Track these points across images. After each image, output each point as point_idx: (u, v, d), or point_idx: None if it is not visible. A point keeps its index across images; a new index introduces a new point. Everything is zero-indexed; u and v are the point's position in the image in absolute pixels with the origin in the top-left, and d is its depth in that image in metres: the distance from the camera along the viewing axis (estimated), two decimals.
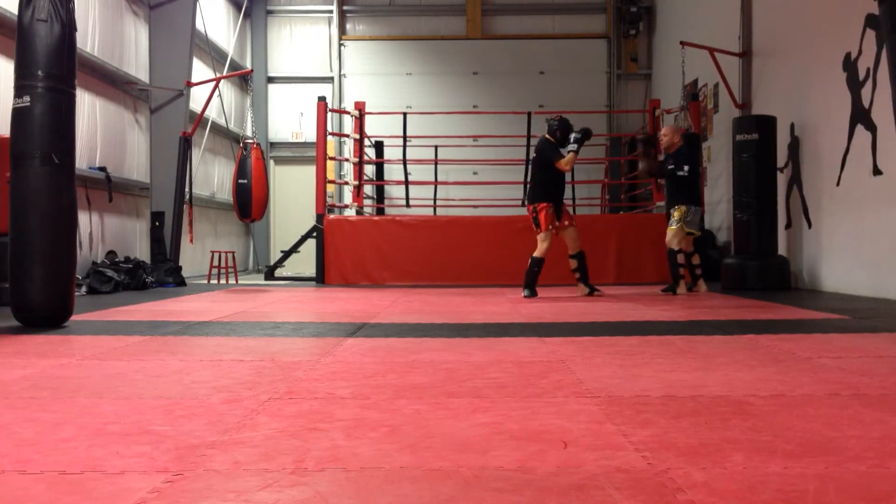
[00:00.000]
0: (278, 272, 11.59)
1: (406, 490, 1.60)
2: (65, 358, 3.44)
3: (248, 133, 12.63)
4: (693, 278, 7.70)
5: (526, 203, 7.34)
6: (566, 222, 7.17)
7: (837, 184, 7.40)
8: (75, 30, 4.78)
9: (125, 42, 9.91)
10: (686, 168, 7.42)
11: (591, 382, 2.79)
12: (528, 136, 10.57)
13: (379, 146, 12.58)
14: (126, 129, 10.02)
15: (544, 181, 7.10)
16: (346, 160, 11.72)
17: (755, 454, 1.84)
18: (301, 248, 10.98)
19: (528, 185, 7.33)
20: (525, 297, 7.06)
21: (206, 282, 10.61)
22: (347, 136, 11.45)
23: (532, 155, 7.26)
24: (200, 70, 11.96)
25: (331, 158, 11.70)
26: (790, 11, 8.46)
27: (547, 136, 7.18)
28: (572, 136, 7.04)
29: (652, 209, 10.88)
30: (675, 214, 7.46)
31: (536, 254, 7.11)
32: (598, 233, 9.87)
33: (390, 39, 14.81)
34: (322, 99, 10.39)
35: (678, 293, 7.36)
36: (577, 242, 7.21)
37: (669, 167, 7.52)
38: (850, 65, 7.10)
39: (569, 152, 6.99)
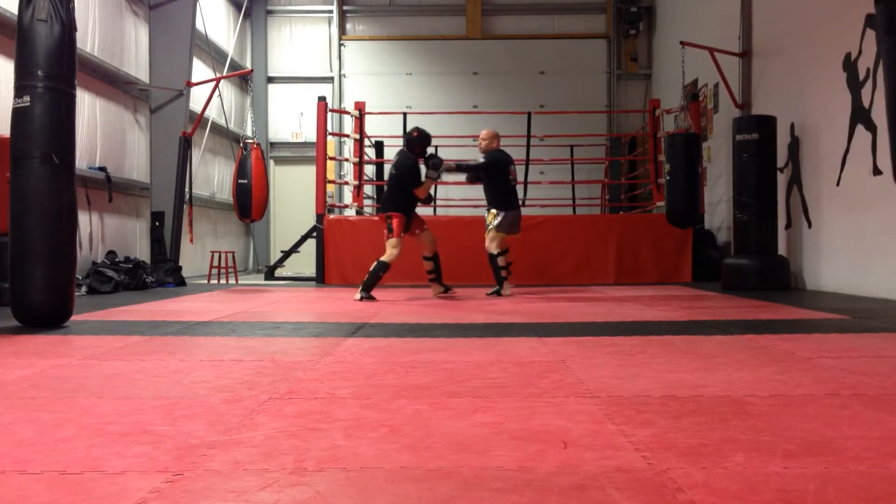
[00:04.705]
0: (278, 272, 11.59)
1: (406, 490, 1.60)
2: (65, 358, 3.44)
3: (248, 133, 12.63)
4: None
5: (378, 211, 7.29)
6: (417, 231, 7.22)
7: (837, 184, 7.40)
8: (75, 30, 4.78)
9: (125, 42, 9.91)
10: (480, 168, 7.58)
11: (591, 382, 2.79)
12: (528, 136, 10.56)
13: (379, 146, 12.57)
14: (126, 129, 10.01)
15: (400, 194, 7.06)
16: (346, 160, 11.72)
17: (755, 454, 1.84)
18: (301, 248, 10.97)
19: (385, 194, 7.33)
20: (359, 299, 6.89)
21: (206, 282, 10.61)
22: (347, 136, 11.45)
23: (392, 168, 7.18)
24: (200, 70, 11.96)
25: (331, 158, 11.70)
26: (790, 11, 8.45)
27: (406, 150, 7.15)
28: (427, 162, 7.02)
29: (652, 209, 10.87)
30: (489, 218, 7.57)
31: (386, 258, 7.07)
32: (598, 233, 9.87)
33: (390, 39, 14.81)
34: (322, 99, 10.39)
35: (504, 294, 7.44)
36: (433, 245, 7.27)
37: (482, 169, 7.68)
38: (850, 65, 7.10)
39: (426, 178, 7.05)
